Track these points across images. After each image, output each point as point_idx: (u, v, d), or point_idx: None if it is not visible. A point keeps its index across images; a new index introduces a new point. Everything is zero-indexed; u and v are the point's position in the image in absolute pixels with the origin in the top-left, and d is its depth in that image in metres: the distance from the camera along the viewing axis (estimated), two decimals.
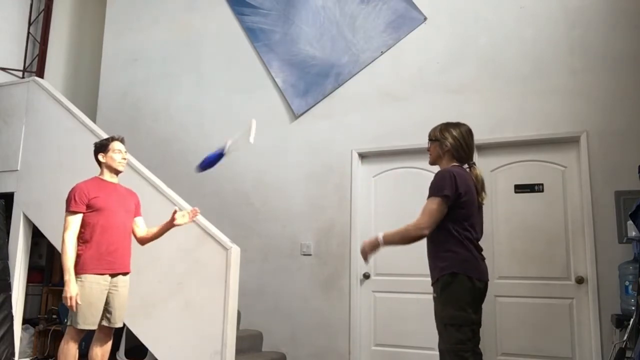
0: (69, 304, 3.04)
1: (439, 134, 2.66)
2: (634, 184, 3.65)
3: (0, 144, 4.94)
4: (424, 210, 2.46)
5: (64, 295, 3.05)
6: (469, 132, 2.66)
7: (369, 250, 2.54)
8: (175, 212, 3.32)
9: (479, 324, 2.45)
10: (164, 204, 4.00)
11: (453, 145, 2.60)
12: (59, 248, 4.29)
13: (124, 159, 3.39)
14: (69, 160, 4.45)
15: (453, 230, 2.45)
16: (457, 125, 2.67)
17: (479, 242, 2.56)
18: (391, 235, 2.51)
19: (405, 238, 2.48)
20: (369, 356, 4.41)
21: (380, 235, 2.51)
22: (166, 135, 5.53)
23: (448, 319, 2.39)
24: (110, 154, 3.35)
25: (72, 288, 3.05)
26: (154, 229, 3.43)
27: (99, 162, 3.38)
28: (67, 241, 3.13)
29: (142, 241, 3.47)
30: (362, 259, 2.59)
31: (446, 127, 2.67)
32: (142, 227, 3.47)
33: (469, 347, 2.37)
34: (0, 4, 5.81)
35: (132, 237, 3.44)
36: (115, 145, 3.37)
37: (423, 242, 2.69)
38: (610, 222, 3.81)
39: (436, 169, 2.66)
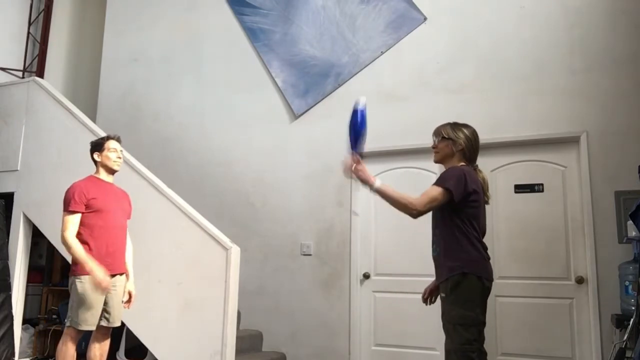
0: (103, 286, 3.07)
1: (451, 133, 2.62)
2: (634, 184, 3.65)
3: (0, 144, 4.93)
4: (427, 193, 2.44)
5: (96, 283, 3.05)
6: (476, 134, 2.66)
7: (355, 173, 2.48)
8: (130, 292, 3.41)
9: (485, 323, 2.45)
10: (164, 204, 4.01)
11: (466, 145, 2.59)
12: (59, 248, 4.31)
13: (119, 157, 3.39)
14: (69, 160, 4.45)
15: (463, 230, 2.44)
16: (466, 126, 2.66)
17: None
18: (389, 191, 2.44)
19: (396, 202, 2.42)
20: (369, 356, 4.41)
21: (379, 183, 2.45)
22: (166, 135, 5.53)
23: (457, 319, 2.38)
24: (105, 152, 3.35)
25: (99, 273, 3.07)
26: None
27: (95, 162, 3.39)
28: (70, 239, 3.13)
29: None
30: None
31: (456, 126, 2.65)
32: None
33: (475, 347, 2.37)
34: (0, 4, 5.81)
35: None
36: (111, 144, 3.38)
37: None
38: (610, 222, 3.81)
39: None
